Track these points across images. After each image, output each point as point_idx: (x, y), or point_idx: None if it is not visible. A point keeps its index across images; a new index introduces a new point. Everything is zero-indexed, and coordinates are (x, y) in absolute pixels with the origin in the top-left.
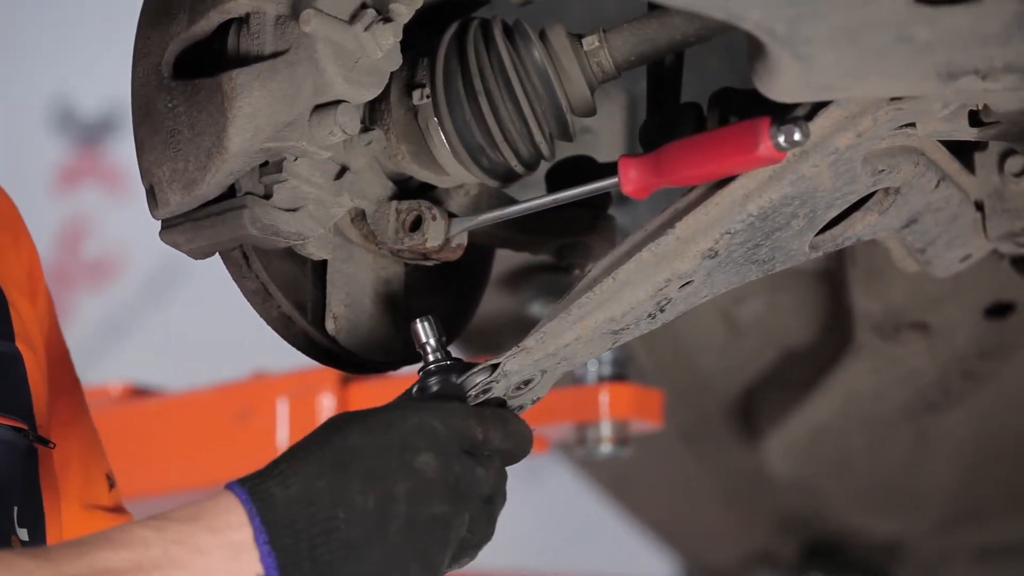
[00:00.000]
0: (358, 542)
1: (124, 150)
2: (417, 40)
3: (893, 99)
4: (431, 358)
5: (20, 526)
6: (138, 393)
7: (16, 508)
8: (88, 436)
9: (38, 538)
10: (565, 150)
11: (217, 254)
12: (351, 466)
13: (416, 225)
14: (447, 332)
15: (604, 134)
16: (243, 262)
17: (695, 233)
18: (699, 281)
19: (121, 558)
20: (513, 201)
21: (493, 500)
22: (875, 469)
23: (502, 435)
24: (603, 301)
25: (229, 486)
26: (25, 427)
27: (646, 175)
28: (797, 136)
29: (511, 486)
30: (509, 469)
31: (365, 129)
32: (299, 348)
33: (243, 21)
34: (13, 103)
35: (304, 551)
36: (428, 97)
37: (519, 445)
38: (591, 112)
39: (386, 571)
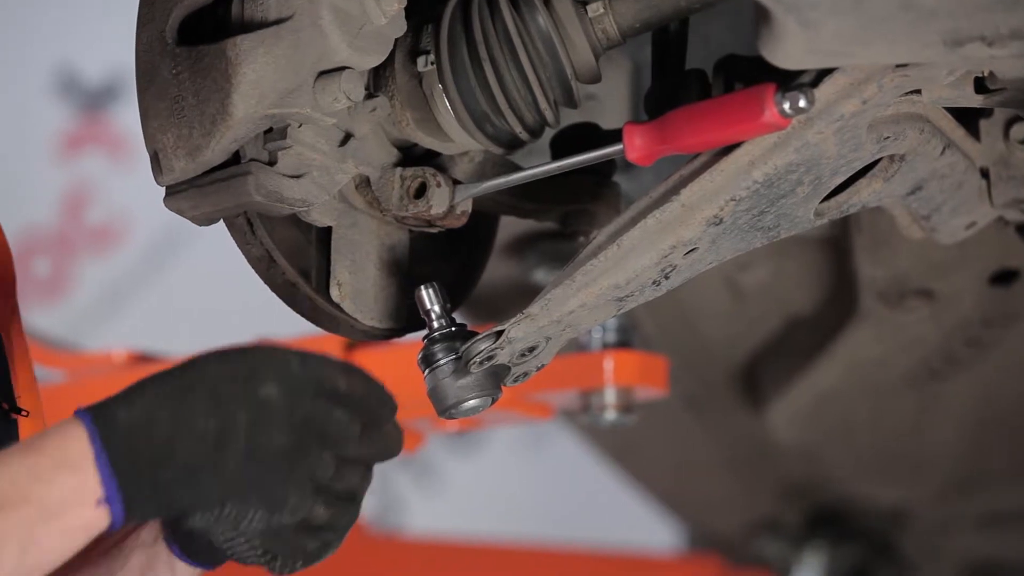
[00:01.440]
0: (197, 467)
1: (128, 117)
2: (422, 6)
3: (898, 66)
4: (435, 325)
5: None
6: (142, 360)
7: None
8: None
9: None
10: (570, 117)
11: (221, 220)
12: (195, 390)
13: (420, 192)
14: (451, 299)
15: (609, 101)
16: (247, 229)
17: (700, 200)
18: (704, 248)
19: None
20: (517, 168)
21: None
22: (879, 436)
23: (369, 401)
24: (608, 268)
25: (76, 412)
26: None
27: (651, 142)
28: (802, 103)
29: (516, 454)
30: (514, 439)
31: (369, 96)
32: (303, 315)
33: None
34: (17, 70)
35: (144, 472)
36: (432, 64)
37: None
38: (596, 79)
39: (224, 499)
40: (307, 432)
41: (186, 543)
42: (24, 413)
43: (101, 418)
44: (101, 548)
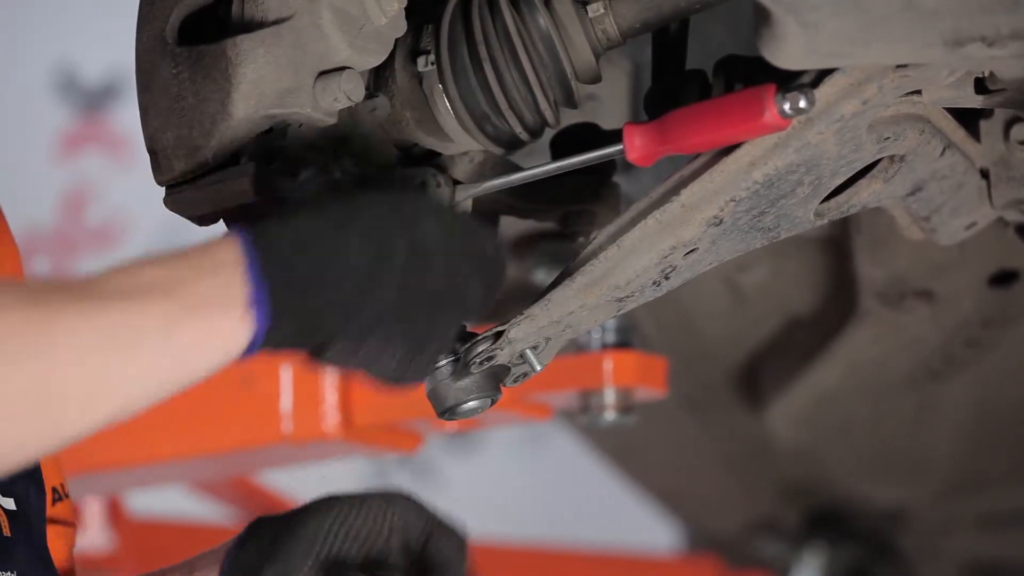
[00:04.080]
0: (347, 296)
1: (127, 116)
2: (422, 6)
3: (899, 66)
4: None
5: (5, 496)
6: None
7: None
8: None
9: (28, 507)
10: (570, 117)
11: (221, 220)
12: (356, 221)
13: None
14: None
15: (609, 101)
16: None
17: (700, 200)
18: (704, 248)
19: (122, 280)
20: (517, 168)
21: None
22: (878, 437)
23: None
24: (608, 269)
25: (230, 228)
26: None
27: (651, 142)
28: (802, 103)
29: (514, 455)
30: (513, 440)
31: (370, 96)
32: None
33: None
34: (15, 69)
35: (295, 286)
36: (433, 64)
37: None
38: (596, 79)
39: (369, 331)
40: (457, 283)
41: None
42: None
43: (256, 230)
44: None
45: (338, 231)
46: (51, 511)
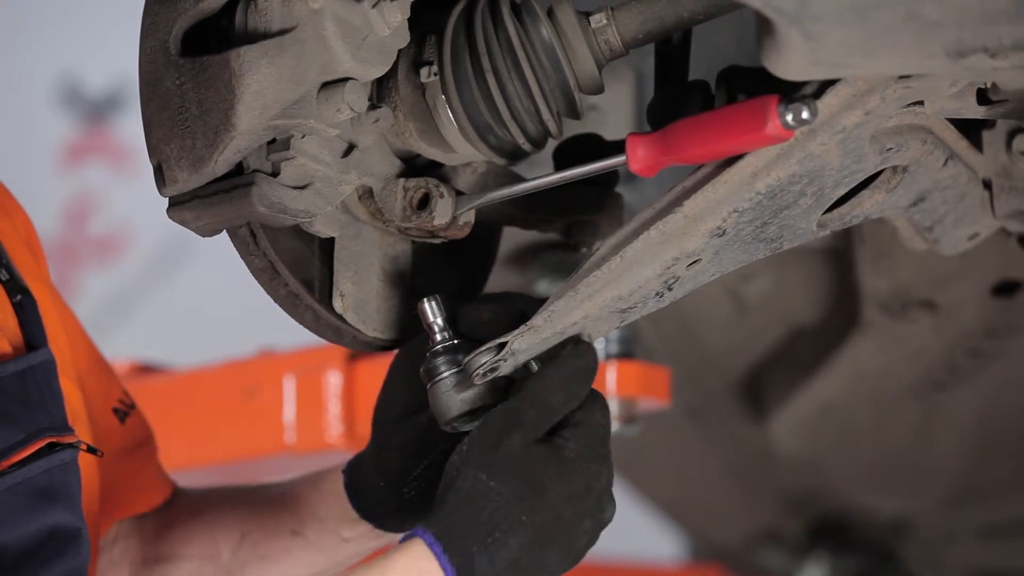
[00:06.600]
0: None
1: (130, 127)
2: (425, 17)
3: (901, 77)
4: (438, 337)
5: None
6: (145, 370)
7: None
8: (89, 368)
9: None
10: (573, 128)
11: (224, 231)
12: (553, 540)
13: (424, 203)
14: (454, 311)
15: (612, 112)
16: (250, 239)
17: (703, 211)
18: (707, 259)
19: None
20: (520, 179)
21: None
22: (881, 447)
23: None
24: (611, 280)
25: (432, 547)
26: (76, 439)
27: (654, 153)
28: (805, 114)
29: None
30: None
31: (373, 107)
32: (306, 326)
33: None
34: (20, 79)
35: None
36: (436, 75)
37: None
38: (599, 90)
39: None
40: None
41: None
42: (100, 454)
43: (455, 553)
44: None
45: (539, 553)
46: (119, 434)
